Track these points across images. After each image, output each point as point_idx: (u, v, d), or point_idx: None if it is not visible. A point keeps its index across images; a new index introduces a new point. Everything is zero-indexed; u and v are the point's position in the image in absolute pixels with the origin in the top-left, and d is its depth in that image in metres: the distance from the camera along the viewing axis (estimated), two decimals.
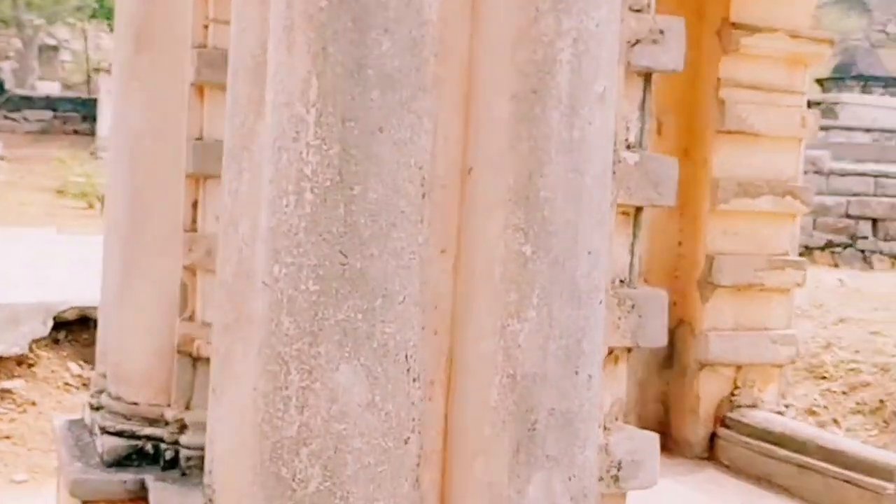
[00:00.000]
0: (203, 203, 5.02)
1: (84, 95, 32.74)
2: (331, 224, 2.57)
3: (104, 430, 5.12)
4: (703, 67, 6.04)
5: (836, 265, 15.43)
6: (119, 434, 5.08)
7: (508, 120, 2.76)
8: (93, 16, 35.62)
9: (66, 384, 9.40)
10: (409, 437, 2.69)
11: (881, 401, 10.20)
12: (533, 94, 2.73)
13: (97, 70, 26.72)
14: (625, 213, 3.10)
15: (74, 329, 9.87)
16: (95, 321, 10.01)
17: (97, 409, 5.36)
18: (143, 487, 4.90)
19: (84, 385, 9.26)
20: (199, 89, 5.01)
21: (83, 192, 21.67)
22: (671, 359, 6.28)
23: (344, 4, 2.55)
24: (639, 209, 3.14)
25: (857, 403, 10.24)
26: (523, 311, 2.75)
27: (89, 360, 9.61)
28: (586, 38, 2.74)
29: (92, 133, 29.66)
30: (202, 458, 4.46)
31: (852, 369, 10.80)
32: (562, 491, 2.77)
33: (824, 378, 10.61)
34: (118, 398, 5.14)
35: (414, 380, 2.70)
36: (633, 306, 3.08)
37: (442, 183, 2.80)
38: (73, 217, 19.63)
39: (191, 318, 5.07)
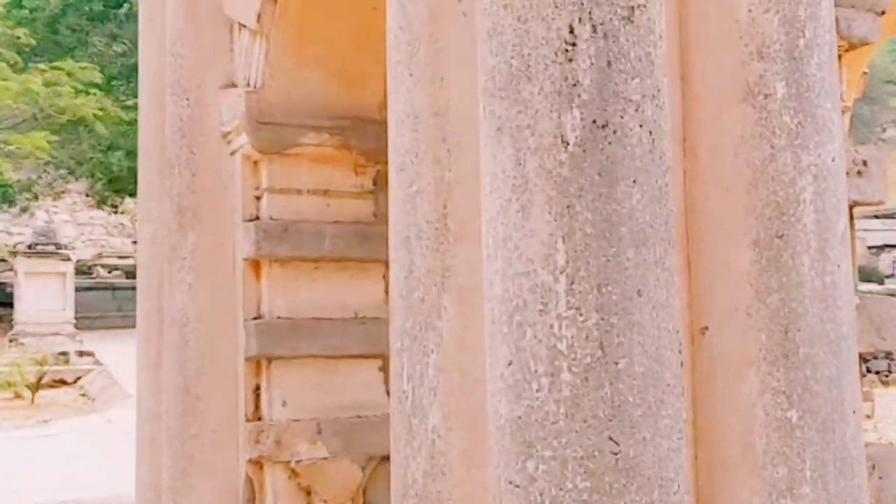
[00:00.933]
0: (268, 388, 4.58)
1: None
2: (596, 407, 2.20)
3: None
4: None
5: None
6: None
7: (750, 270, 2.45)
8: None
9: None
10: None
11: None
12: (778, 238, 2.44)
13: (13, 253, 25.77)
14: None
15: None
16: None
17: None
18: None
19: None
20: (255, 265, 4.62)
21: (8, 382, 20.57)
22: None
23: (588, 156, 2.24)
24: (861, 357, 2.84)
25: None
26: (796, 487, 2.40)
27: None
28: (825, 174, 2.48)
29: None
30: None
31: None
32: None
33: None
34: None
35: None
36: (873, 466, 2.75)
37: None
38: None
39: None
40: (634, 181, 2.26)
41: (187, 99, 4.71)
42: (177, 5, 4.71)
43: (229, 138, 4.67)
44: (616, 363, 2.21)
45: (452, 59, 2.70)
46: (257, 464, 4.58)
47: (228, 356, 4.63)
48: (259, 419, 4.60)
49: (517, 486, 2.26)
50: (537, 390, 2.24)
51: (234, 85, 4.74)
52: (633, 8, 2.29)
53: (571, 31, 2.26)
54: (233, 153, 4.70)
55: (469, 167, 2.69)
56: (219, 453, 4.60)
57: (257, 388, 4.62)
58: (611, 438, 2.20)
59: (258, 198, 4.68)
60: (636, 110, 2.28)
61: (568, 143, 2.24)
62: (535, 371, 2.24)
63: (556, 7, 2.26)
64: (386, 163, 4.58)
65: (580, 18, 2.26)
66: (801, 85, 2.48)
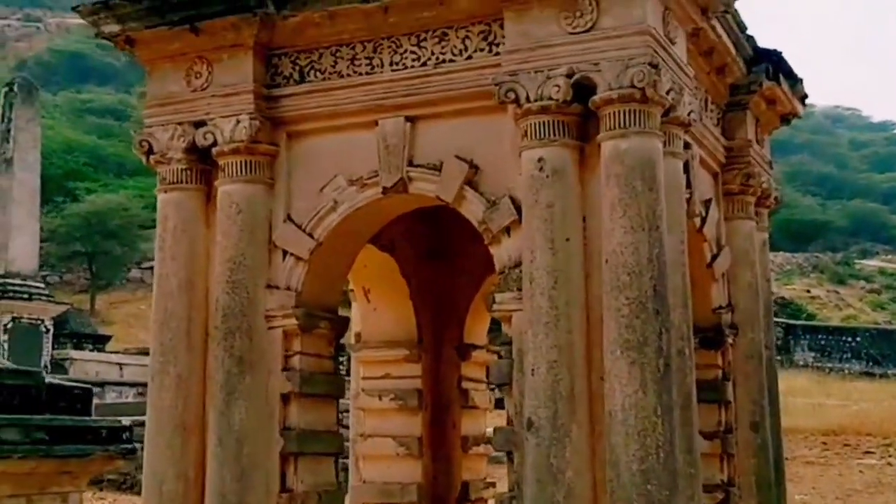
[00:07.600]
0: (297, 474, 7.57)
1: None
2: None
3: None
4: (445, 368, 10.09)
5: None
6: None
7: None
8: None
9: None
10: None
11: None
12: None
13: None
14: None
15: None
16: None
17: None
18: None
19: None
20: (286, 397, 7.63)
21: None
22: None
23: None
24: None
25: None
26: None
27: None
28: None
29: None
30: None
31: None
32: None
33: None
34: None
35: None
36: None
37: None
38: None
39: None
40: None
41: (247, 292, 7.59)
42: (240, 232, 7.60)
43: (272, 320, 7.64)
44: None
45: None
46: None
47: (267, 455, 7.52)
48: (287, 492, 7.53)
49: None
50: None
51: (271, 285, 7.71)
52: None
53: None
54: (270, 328, 7.66)
55: None
56: None
57: (283, 474, 7.56)
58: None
59: (286, 357, 7.69)
60: None
61: None
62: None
63: None
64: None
65: None
66: None
